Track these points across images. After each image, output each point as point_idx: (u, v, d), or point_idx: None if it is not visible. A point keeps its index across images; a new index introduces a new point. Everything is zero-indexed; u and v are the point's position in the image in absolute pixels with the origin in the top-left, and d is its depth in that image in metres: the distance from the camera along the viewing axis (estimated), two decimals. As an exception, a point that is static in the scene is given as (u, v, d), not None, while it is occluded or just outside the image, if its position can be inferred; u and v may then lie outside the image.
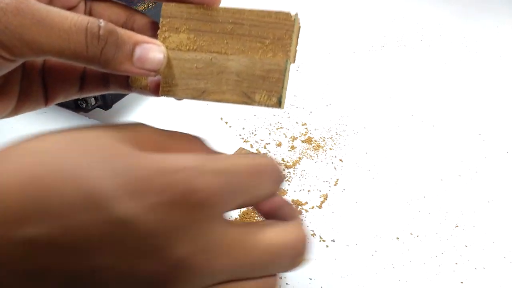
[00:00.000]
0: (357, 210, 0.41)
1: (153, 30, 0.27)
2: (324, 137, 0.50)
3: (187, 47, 0.25)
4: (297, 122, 0.53)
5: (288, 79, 0.25)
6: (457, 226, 0.40)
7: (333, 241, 0.38)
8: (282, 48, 0.24)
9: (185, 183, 0.17)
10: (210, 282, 0.19)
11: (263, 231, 0.20)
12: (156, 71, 0.24)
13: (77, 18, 0.21)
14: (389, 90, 0.60)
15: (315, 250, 0.37)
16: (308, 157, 0.47)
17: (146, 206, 0.16)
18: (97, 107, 0.50)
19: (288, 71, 0.24)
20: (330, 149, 0.49)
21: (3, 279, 0.16)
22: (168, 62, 0.25)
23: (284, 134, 0.51)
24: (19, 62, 0.23)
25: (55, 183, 0.16)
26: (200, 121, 0.52)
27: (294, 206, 0.23)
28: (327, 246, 0.38)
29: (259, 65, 0.24)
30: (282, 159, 0.47)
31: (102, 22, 0.22)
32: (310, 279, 0.35)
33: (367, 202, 0.42)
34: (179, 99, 0.26)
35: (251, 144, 0.49)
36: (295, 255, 0.20)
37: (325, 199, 0.42)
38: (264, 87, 0.24)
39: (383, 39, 0.73)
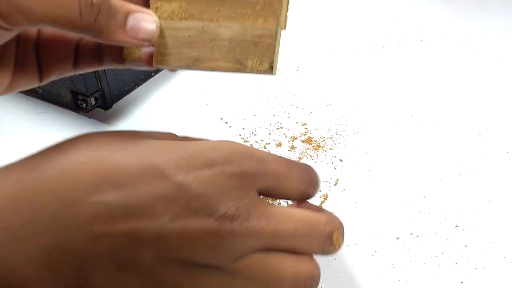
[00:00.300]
0: (357, 210, 0.41)
1: (145, 0, 0.27)
2: (324, 137, 0.50)
3: (179, 16, 0.25)
4: (297, 122, 0.53)
5: (279, 45, 0.25)
6: (457, 226, 0.40)
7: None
8: (272, 14, 0.24)
9: (222, 157, 0.21)
10: (250, 246, 0.21)
11: (297, 209, 0.23)
12: (149, 41, 0.24)
13: None
14: (389, 90, 0.60)
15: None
16: (308, 157, 0.47)
17: (193, 175, 0.20)
18: (97, 107, 0.50)
19: (280, 36, 0.24)
20: (330, 149, 0.49)
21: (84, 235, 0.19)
22: (161, 32, 0.25)
23: (284, 134, 0.51)
24: (14, 32, 0.23)
25: (125, 161, 0.21)
26: (200, 121, 0.52)
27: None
28: (327, 246, 0.38)
29: (251, 31, 0.24)
30: (282, 159, 0.47)
31: None
32: (310, 279, 0.35)
33: (367, 202, 0.42)
34: (173, 69, 0.26)
35: (251, 144, 0.49)
36: (328, 233, 0.24)
37: (325, 199, 0.42)
38: (256, 53, 0.24)
39: (383, 39, 0.73)
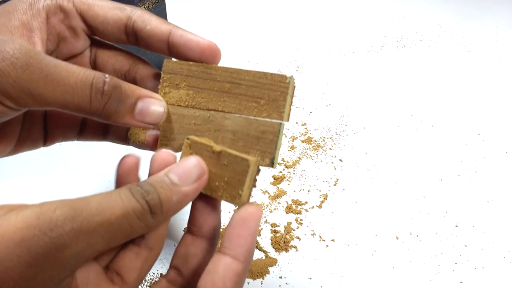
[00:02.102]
0: (357, 210, 0.41)
1: (155, 79, 0.27)
2: (324, 137, 0.51)
3: (186, 103, 0.26)
4: (297, 122, 0.53)
5: (281, 139, 0.25)
6: (456, 226, 0.40)
7: (333, 240, 0.38)
8: (276, 109, 0.25)
9: None
10: None
11: None
12: (155, 124, 0.25)
13: (84, 73, 0.22)
14: (389, 90, 0.60)
15: (315, 250, 0.37)
16: (308, 157, 0.48)
17: None
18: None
19: (282, 132, 0.25)
20: (330, 149, 0.49)
21: None
22: (168, 117, 0.25)
23: (284, 134, 0.51)
24: (23, 111, 0.23)
25: None
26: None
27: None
28: (327, 246, 0.38)
29: (255, 125, 0.25)
30: (282, 159, 0.47)
31: (107, 78, 0.22)
32: (310, 278, 0.35)
33: (367, 202, 0.42)
34: (176, 151, 0.27)
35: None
36: None
37: (325, 199, 0.42)
38: (258, 147, 0.25)
39: (383, 39, 0.73)
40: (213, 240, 0.26)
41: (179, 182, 0.22)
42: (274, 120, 0.25)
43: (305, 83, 0.61)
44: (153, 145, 0.27)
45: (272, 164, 0.25)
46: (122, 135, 0.29)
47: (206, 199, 0.24)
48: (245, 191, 0.23)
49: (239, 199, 0.23)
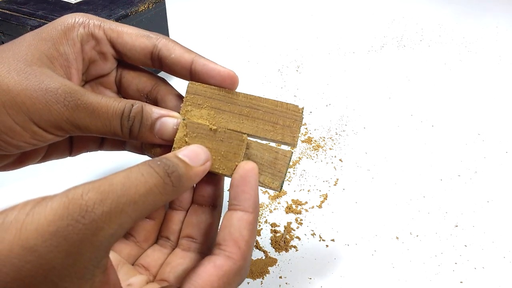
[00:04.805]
0: (357, 210, 0.41)
1: (176, 99, 0.30)
2: (324, 137, 0.51)
3: (207, 121, 0.28)
4: (297, 122, 0.53)
5: (289, 165, 0.28)
6: (456, 226, 0.40)
7: (333, 240, 0.38)
8: (290, 134, 0.28)
9: None
10: None
11: None
12: (172, 140, 0.27)
13: (117, 105, 0.26)
14: (389, 90, 0.60)
15: (315, 250, 0.37)
16: (308, 157, 0.48)
17: None
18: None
19: (291, 160, 0.28)
20: (330, 149, 0.49)
21: None
22: (186, 134, 0.27)
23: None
24: (66, 136, 0.27)
25: None
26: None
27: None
28: (327, 245, 0.38)
29: (268, 152, 0.28)
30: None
31: (134, 105, 0.26)
32: (310, 278, 0.35)
33: (367, 202, 0.42)
34: None
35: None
36: None
37: (325, 199, 0.42)
38: (269, 170, 0.28)
39: (383, 39, 0.73)
40: (218, 208, 0.29)
41: (190, 163, 0.24)
42: (286, 149, 0.28)
43: (305, 83, 0.61)
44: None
45: (280, 188, 0.28)
46: (138, 146, 0.32)
47: (208, 174, 0.27)
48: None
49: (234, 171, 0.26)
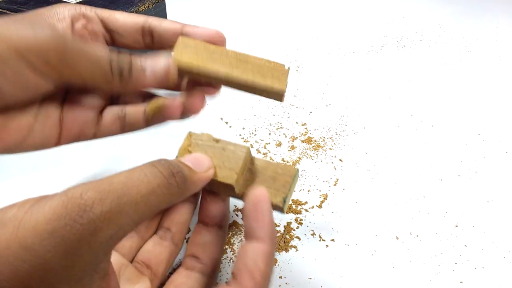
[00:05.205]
0: (357, 210, 0.41)
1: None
2: (324, 137, 0.51)
3: (198, 62, 0.27)
4: (297, 122, 0.53)
5: (295, 186, 0.28)
6: (456, 226, 0.40)
7: (333, 240, 0.38)
8: (278, 82, 0.28)
9: None
10: None
11: None
12: (167, 80, 0.27)
13: (106, 49, 0.25)
14: (389, 90, 0.60)
15: (315, 250, 0.37)
16: (308, 157, 0.48)
17: None
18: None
19: (297, 179, 0.28)
20: (330, 149, 0.49)
21: None
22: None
23: (284, 134, 0.51)
24: (51, 89, 0.25)
25: None
26: (200, 121, 0.52)
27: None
28: (326, 245, 0.38)
29: (272, 167, 0.28)
30: (282, 159, 0.47)
31: (119, 54, 0.26)
32: (310, 278, 0.35)
33: (367, 202, 0.42)
34: None
35: (251, 144, 0.49)
36: None
37: (325, 199, 0.42)
38: (273, 186, 0.27)
39: (383, 39, 0.73)
40: (223, 228, 0.29)
41: (193, 168, 0.24)
42: (291, 166, 0.28)
43: (305, 83, 0.61)
44: (174, 112, 0.29)
45: (283, 203, 0.27)
46: (139, 118, 0.30)
47: (213, 193, 0.27)
48: (239, 173, 0.26)
49: (234, 180, 0.26)
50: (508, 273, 0.36)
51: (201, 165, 0.25)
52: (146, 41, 0.29)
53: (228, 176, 0.26)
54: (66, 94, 0.29)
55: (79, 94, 0.29)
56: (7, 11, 0.51)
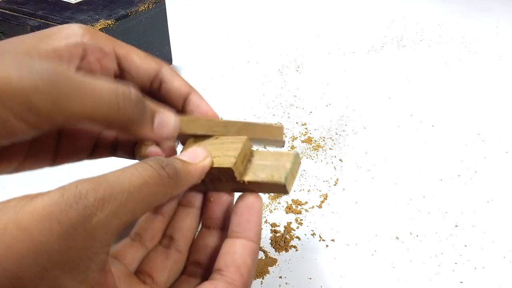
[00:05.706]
0: (357, 210, 0.41)
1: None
2: (324, 137, 0.51)
3: (203, 130, 0.29)
4: (297, 122, 0.53)
5: (298, 170, 0.28)
6: (456, 226, 0.40)
7: (333, 240, 0.38)
8: (278, 134, 0.30)
9: None
10: None
11: None
12: (169, 138, 0.27)
13: (110, 84, 0.22)
14: (389, 90, 0.60)
15: (315, 250, 0.37)
16: (308, 157, 0.48)
17: None
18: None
19: (298, 163, 0.28)
20: (330, 149, 0.49)
21: None
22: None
23: (284, 134, 0.51)
24: (40, 132, 0.21)
25: None
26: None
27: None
28: (327, 245, 0.38)
29: (274, 155, 0.28)
30: (282, 159, 0.47)
31: (132, 88, 0.23)
32: (310, 278, 0.35)
33: (367, 202, 0.42)
34: None
35: (251, 144, 0.49)
36: None
37: (325, 199, 0.42)
38: (275, 168, 0.27)
39: (383, 39, 0.73)
40: (226, 230, 0.28)
41: (188, 160, 0.25)
42: (291, 153, 0.28)
43: (305, 83, 0.61)
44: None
45: (284, 180, 0.25)
46: (130, 151, 0.30)
47: (216, 193, 0.27)
48: (238, 157, 0.27)
49: (233, 163, 0.26)
50: (508, 273, 0.36)
51: (196, 156, 0.25)
52: (152, 88, 0.29)
53: (226, 161, 0.26)
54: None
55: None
56: (7, 11, 0.51)
